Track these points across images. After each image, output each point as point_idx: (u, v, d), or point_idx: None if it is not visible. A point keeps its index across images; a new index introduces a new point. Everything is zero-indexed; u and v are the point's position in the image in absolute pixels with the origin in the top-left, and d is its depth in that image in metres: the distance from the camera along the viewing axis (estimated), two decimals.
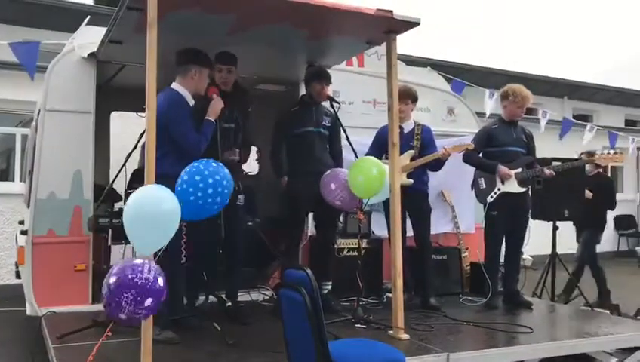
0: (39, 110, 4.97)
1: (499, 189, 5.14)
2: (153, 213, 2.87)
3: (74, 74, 4.91)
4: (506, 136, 5.20)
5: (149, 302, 2.70)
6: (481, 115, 6.98)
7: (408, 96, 5.06)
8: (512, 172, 5.10)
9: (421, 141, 5.14)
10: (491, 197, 5.16)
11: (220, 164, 3.23)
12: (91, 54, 4.89)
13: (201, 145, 3.96)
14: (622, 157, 5.20)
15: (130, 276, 2.68)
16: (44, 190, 4.76)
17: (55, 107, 4.84)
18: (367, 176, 4.27)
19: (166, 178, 3.23)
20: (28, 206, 5.04)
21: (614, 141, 9.31)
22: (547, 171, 5.12)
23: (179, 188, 3.09)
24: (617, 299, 6.69)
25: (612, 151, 5.27)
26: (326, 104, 4.90)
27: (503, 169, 5.08)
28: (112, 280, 2.69)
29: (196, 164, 3.18)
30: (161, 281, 2.76)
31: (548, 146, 7.01)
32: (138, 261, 2.78)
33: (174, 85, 4.01)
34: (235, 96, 4.48)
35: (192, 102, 4.02)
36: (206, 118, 4.05)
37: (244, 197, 4.60)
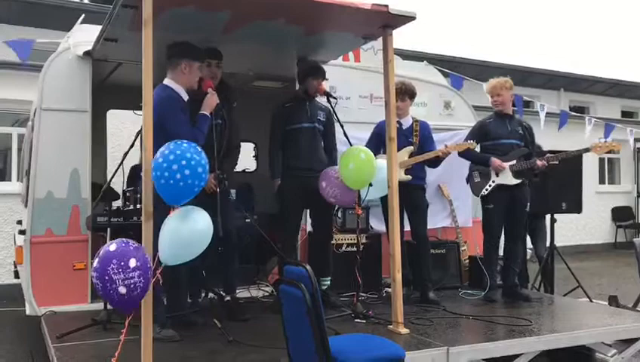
0: (35, 109, 4.96)
1: (493, 182, 5.15)
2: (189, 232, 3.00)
3: (69, 72, 4.89)
4: (500, 129, 5.21)
5: (133, 262, 2.77)
6: (478, 108, 6.97)
7: (405, 93, 5.06)
8: (506, 164, 5.10)
9: (420, 137, 5.15)
10: (486, 190, 5.17)
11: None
12: (87, 52, 4.87)
13: (198, 140, 3.93)
14: (618, 145, 5.19)
15: (106, 251, 2.83)
16: (41, 189, 4.76)
17: (51, 106, 4.82)
18: (357, 162, 4.27)
19: None
20: (25, 205, 5.04)
21: (609, 133, 9.32)
22: (539, 162, 5.09)
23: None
24: (616, 291, 6.70)
25: (609, 140, 5.24)
26: (321, 99, 4.89)
27: (496, 161, 5.08)
28: (95, 264, 2.82)
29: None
30: (134, 243, 2.89)
31: (546, 139, 7.01)
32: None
33: (167, 81, 3.94)
34: (220, 91, 4.45)
35: (185, 96, 3.97)
36: (201, 112, 4.01)
37: (235, 192, 4.59)
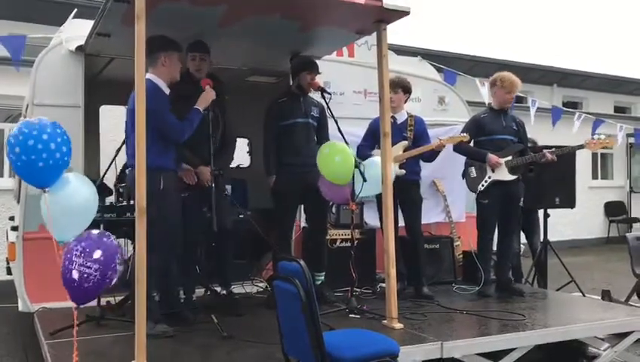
0: (27, 105, 4.93)
1: (489, 178, 5.16)
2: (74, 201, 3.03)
3: (62, 67, 4.86)
4: (495, 125, 5.22)
5: (98, 254, 2.80)
6: (472, 103, 6.98)
7: (397, 85, 5.05)
8: (502, 160, 5.11)
9: (414, 132, 5.15)
10: (482, 185, 5.18)
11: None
12: (79, 47, 4.84)
13: (185, 133, 3.92)
14: (612, 141, 5.21)
15: (86, 234, 2.91)
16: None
17: (43, 101, 4.79)
18: (320, 159, 4.34)
19: (148, 171, 3.22)
20: (18, 201, 5.00)
21: (596, 128, 9.30)
22: (549, 155, 5.11)
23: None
24: (608, 285, 6.74)
25: (603, 136, 5.25)
26: (314, 95, 4.88)
27: (492, 157, 5.09)
28: (97, 255, 2.86)
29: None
30: (113, 240, 2.91)
31: (538, 135, 7.01)
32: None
33: (148, 75, 3.85)
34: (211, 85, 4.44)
35: (167, 90, 3.95)
36: (195, 106, 4.02)
37: (231, 187, 4.60)
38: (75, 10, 5.47)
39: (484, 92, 8.15)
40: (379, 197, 4.53)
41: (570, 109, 10.70)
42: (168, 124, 3.81)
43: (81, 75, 4.90)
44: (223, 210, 4.37)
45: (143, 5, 3.14)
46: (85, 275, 2.77)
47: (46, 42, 5.16)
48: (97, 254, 2.82)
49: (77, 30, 4.96)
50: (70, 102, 4.84)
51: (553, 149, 5.23)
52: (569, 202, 6.34)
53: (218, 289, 4.67)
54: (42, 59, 4.87)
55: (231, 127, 4.64)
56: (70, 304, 4.56)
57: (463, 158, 5.37)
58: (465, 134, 5.10)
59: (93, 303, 4.24)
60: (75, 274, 2.77)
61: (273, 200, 4.84)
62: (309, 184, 4.63)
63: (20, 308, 4.74)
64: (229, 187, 4.58)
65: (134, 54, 3.13)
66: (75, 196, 3.02)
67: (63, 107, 4.82)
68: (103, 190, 5.28)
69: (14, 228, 4.92)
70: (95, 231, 2.94)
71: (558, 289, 6.07)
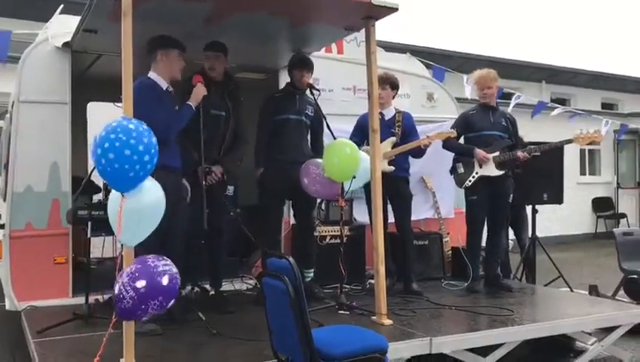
0: (13, 102, 4.88)
1: (477, 173, 5.17)
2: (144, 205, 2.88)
3: (48, 64, 4.82)
4: (483, 121, 5.23)
5: (141, 284, 2.68)
6: (461, 100, 7.00)
7: (386, 82, 5.07)
8: (490, 155, 5.12)
9: (402, 128, 5.15)
10: (469, 181, 5.19)
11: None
12: (66, 44, 4.80)
13: (170, 127, 3.91)
14: (600, 136, 5.24)
15: (146, 258, 2.77)
16: (20, 183, 4.69)
17: (29, 98, 4.75)
18: (342, 157, 4.30)
19: None
20: (4, 199, 4.96)
21: (579, 123, 9.32)
22: (520, 154, 5.12)
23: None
24: (596, 280, 6.79)
25: (591, 131, 5.28)
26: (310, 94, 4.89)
27: (480, 152, 5.11)
28: (140, 284, 2.65)
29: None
30: (177, 286, 2.82)
31: (522, 129, 7.04)
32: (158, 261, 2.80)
33: (150, 73, 4.01)
34: (225, 84, 4.50)
35: (164, 85, 3.99)
36: (187, 102, 4.06)
37: (233, 188, 4.61)
38: (62, 6, 5.42)
39: (467, 89, 8.15)
40: (368, 193, 4.53)
41: (555, 105, 10.75)
42: (152, 118, 3.69)
43: (68, 71, 4.85)
44: (219, 209, 4.37)
45: (129, 2, 3.11)
46: (121, 296, 2.64)
47: (32, 38, 5.11)
48: (140, 284, 2.65)
49: (63, 26, 4.92)
50: (57, 98, 4.80)
51: (544, 145, 5.26)
52: (557, 198, 6.38)
53: (207, 286, 4.66)
54: (28, 55, 4.83)
55: (243, 127, 4.65)
56: (57, 302, 4.57)
57: (451, 155, 5.38)
58: (452, 130, 5.12)
59: (81, 300, 4.25)
60: (116, 289, 2.66)
61: (259, 193, 4.85)
62: (297, 180, 4.62)
63: (7, 307, 4.70)
64: (231, 188, 4.57)
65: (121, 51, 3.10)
66: (145, 201, 2.89)
67: (49, 104, 4.78)
68: (90, 187, 5.26)
69: (1, 226, 4.88)
70: (162, 264, 2.76)
71: (546, 285, 6.10)
